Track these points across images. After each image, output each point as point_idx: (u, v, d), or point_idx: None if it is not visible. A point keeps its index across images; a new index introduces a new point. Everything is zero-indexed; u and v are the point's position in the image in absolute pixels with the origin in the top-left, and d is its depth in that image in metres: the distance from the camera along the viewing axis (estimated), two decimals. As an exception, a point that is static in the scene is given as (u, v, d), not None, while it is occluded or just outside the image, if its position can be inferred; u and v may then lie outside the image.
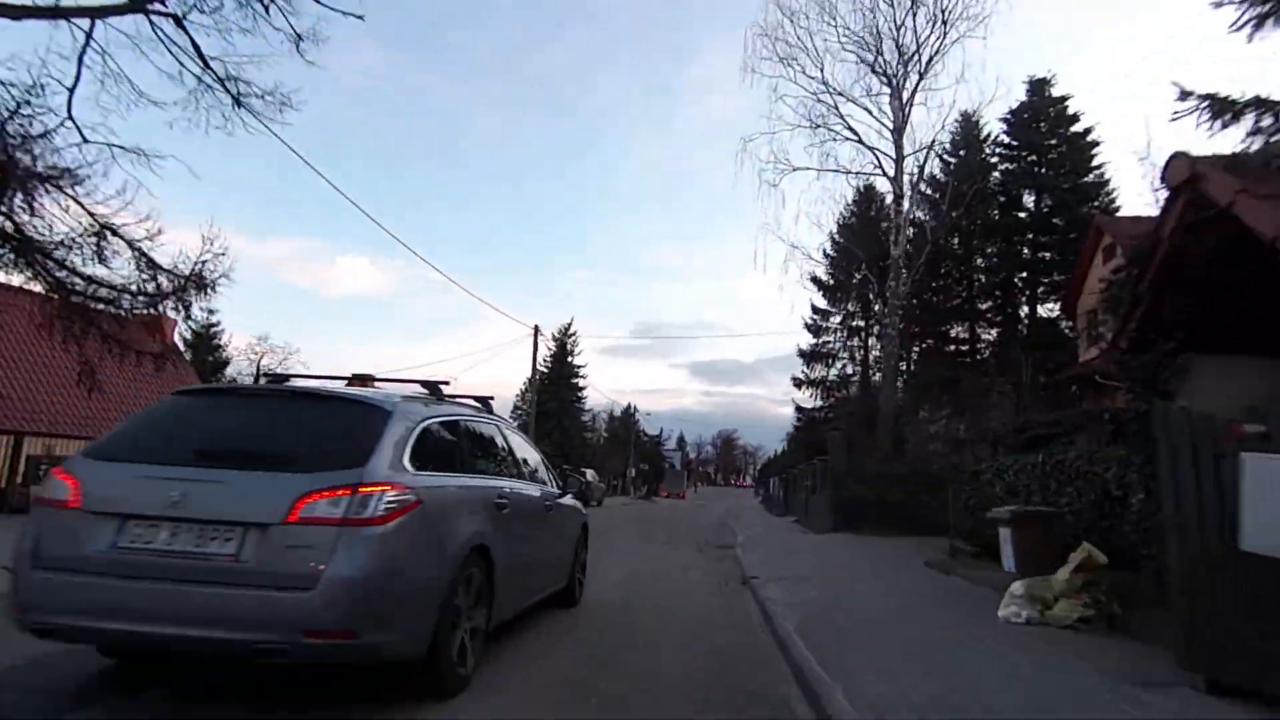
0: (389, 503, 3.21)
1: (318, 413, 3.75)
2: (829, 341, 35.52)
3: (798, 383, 35.78)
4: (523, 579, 4.82)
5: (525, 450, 5.76)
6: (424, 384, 4.72)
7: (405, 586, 3.28)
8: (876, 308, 35.86)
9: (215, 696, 3.69)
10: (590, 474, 35.40)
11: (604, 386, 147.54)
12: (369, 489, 3.18)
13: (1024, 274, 29.98)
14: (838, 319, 35.70)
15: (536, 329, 37.24)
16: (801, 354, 35.63)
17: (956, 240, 30.38)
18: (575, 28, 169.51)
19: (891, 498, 16.88)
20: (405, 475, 3.43)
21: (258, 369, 37.39)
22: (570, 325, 52.61)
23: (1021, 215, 29.73)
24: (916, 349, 34.14)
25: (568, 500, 6.40)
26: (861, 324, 35.70)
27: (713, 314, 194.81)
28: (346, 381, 5.08)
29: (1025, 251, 29.78)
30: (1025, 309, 30.85)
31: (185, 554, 3.08)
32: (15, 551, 3.22)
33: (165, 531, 3.12)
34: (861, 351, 35.34)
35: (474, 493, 4.20)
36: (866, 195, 34.58)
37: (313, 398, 3.95)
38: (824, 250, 35.26)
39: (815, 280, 35.84)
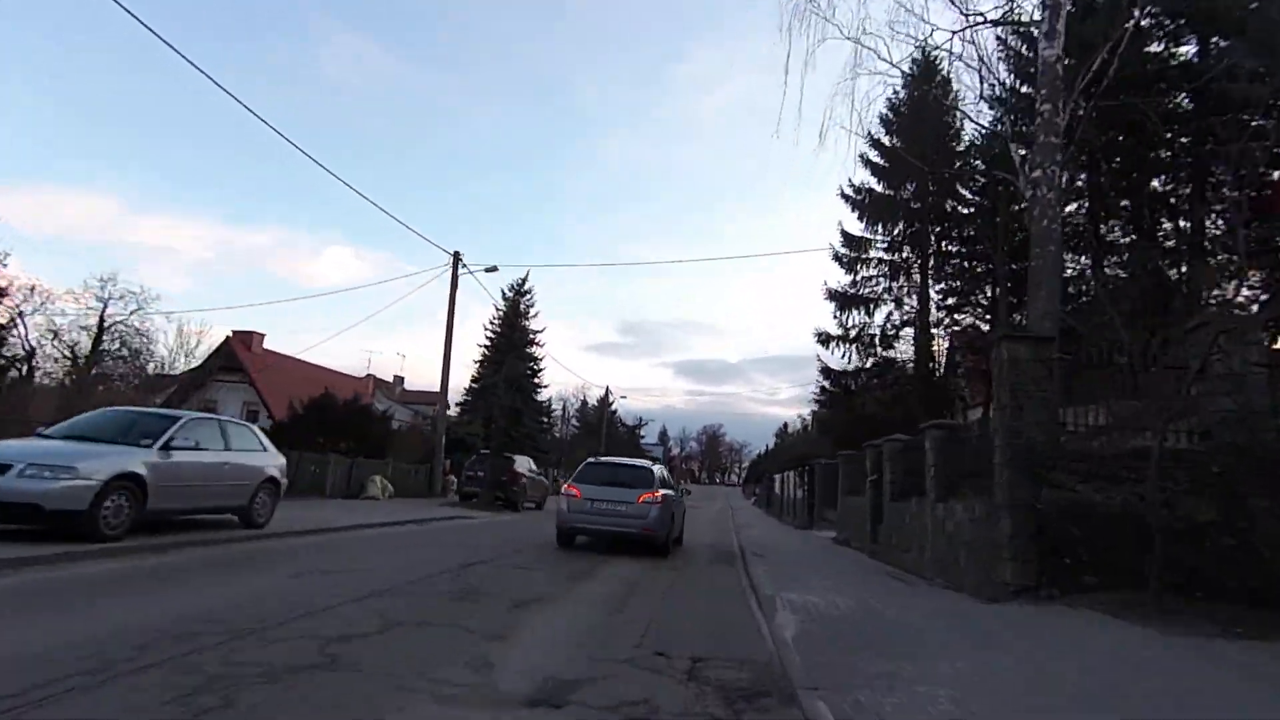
0: (661, 498, 12.19)
1: (639, 469, 13.10)
2: (871, 277, 24.93)
3: (824, 339, 25.13)
4: (678, 526, 13.84)
5: (666, 473, 14.35)
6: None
7: (664, 520, 12.17)
8: (941, 225, 25.36)
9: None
10: (526, 463, 24.82)
11: (584, 375, 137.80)
12: (655, 494, 12.17)
13: (1177, 162, 19.64)
14: (883, 246, 25.17)
15: (456, 256, 26.42)
16: (831, 295, 24.80)
17: (1066, 123, 20.09)
18: (558, 21, 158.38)
19: (1188, 516, 6.56)
20: (660, 489, 12.39)
21: (101, 318, 27.39)
22: (525, 281, 41.53)
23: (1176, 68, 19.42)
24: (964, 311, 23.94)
25: (682, 497, 16.20)
26: (913, 256, 25.28)
27: (700, 312, 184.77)
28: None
29: (1173, 134, 19.46)
30: (1172, 223, 20.60)
31: (611, 511, 12.00)
32: (558, 508, 12.72)
33: (605, 503, 12.04)
34: (917, 294, 24.87)
35: (671, 493, 13.24)
36: (922, 78, 24.33)
37: (634, 465, 13.54)
38: (863, 156, 25.02)
39: (847, 196, 25.50)
